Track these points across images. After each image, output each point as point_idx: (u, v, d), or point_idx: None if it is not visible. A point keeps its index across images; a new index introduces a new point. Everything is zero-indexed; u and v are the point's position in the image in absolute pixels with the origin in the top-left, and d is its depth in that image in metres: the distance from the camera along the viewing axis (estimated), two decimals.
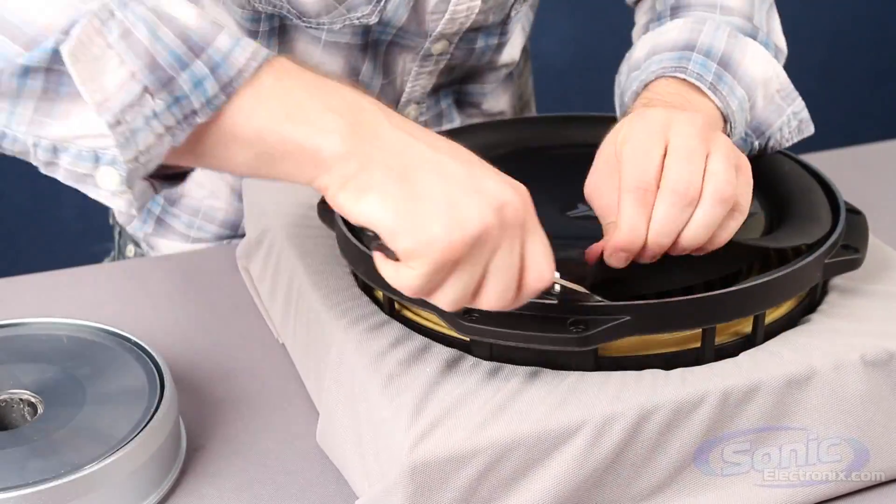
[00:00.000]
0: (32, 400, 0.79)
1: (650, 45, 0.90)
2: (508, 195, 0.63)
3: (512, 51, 1.10)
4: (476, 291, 0.64)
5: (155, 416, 0.77)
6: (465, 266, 0.62)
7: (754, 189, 0.88)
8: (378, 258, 0.65)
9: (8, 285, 1.03)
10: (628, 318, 0.70)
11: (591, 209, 0.84)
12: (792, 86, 0.90)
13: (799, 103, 0.90)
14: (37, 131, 0.62)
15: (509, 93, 1.16)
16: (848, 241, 0.81)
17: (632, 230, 0.71)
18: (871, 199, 1.00)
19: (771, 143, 0.90)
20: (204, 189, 1.11)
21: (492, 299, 0.64)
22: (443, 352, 0.75)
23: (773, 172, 0.89)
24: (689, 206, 0.71)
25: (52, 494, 0.71)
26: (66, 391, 0.79)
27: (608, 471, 0.70)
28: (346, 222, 0.81)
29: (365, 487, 0.73)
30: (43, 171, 0.64)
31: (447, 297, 0.63)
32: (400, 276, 0.63)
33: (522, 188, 0.65)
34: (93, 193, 0.64)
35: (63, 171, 0.63)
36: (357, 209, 0.62)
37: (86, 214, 2.19)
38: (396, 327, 0.78)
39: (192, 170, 0.70)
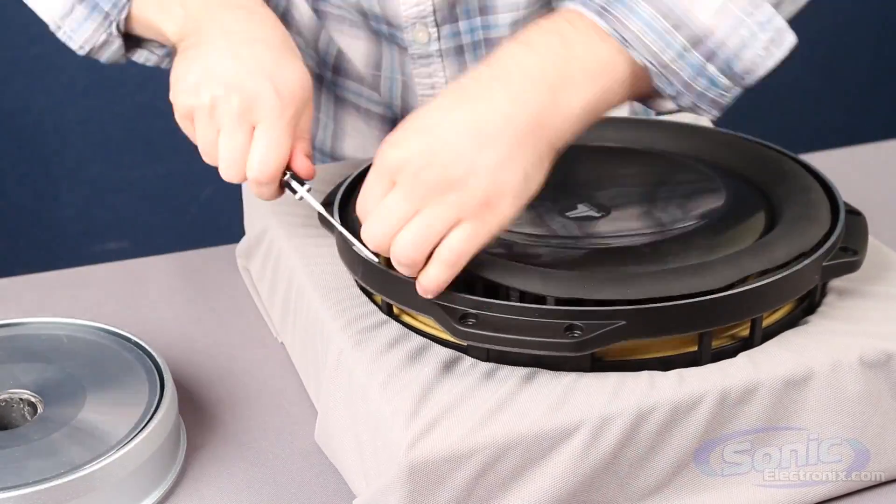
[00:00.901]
0: (32, 400, 0.79)
1: None
2: (228, 95, 0.80)
3: None
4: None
5: (155, 416, 0.77)
6: (198, 126, 0.82)
7: (754, 188, 0.88)
8: None
9: (8, 285, 1.03)
10: (624, 322, 0.70)
11: (590, 209, 0.84)
12: None
13: (766, 10, 0.73)
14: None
15: None
16: (847, 242, 0.80)
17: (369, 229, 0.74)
18: (871, 200, 1.00)
19: (741, 67, 0.73)
20: None
21: (221, 168, 0.81)
22: (441, 352, 0.75)
23: (772, 171, 0.89)
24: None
25: (51, 494, 0.71)
26: (66, 391, 0.79)
27: (606, 471, 0.70)
28: (345, 225, 0.81)
29: (363, 486, 0.73)
30: None
31: (198, 143, 0.83)
32: None
33: (268, 102, 0.79)
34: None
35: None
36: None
37: (86, 214, 2.19)
38: (395, 327, 0.78)
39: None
